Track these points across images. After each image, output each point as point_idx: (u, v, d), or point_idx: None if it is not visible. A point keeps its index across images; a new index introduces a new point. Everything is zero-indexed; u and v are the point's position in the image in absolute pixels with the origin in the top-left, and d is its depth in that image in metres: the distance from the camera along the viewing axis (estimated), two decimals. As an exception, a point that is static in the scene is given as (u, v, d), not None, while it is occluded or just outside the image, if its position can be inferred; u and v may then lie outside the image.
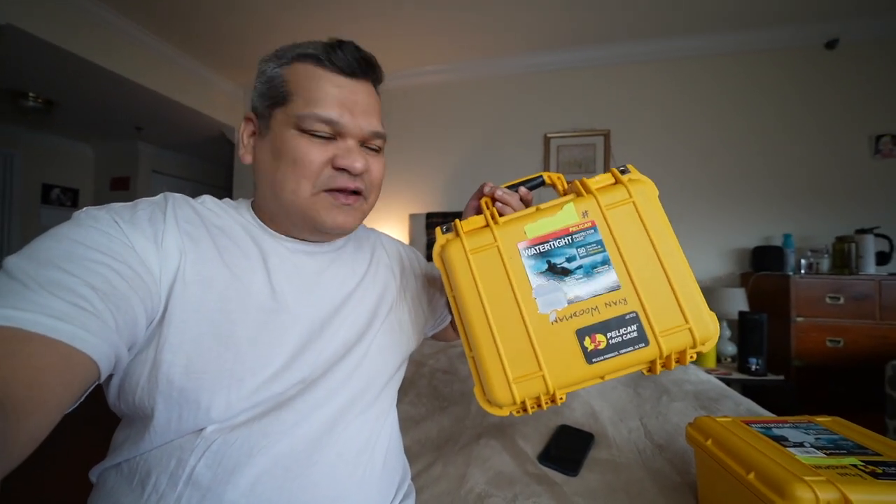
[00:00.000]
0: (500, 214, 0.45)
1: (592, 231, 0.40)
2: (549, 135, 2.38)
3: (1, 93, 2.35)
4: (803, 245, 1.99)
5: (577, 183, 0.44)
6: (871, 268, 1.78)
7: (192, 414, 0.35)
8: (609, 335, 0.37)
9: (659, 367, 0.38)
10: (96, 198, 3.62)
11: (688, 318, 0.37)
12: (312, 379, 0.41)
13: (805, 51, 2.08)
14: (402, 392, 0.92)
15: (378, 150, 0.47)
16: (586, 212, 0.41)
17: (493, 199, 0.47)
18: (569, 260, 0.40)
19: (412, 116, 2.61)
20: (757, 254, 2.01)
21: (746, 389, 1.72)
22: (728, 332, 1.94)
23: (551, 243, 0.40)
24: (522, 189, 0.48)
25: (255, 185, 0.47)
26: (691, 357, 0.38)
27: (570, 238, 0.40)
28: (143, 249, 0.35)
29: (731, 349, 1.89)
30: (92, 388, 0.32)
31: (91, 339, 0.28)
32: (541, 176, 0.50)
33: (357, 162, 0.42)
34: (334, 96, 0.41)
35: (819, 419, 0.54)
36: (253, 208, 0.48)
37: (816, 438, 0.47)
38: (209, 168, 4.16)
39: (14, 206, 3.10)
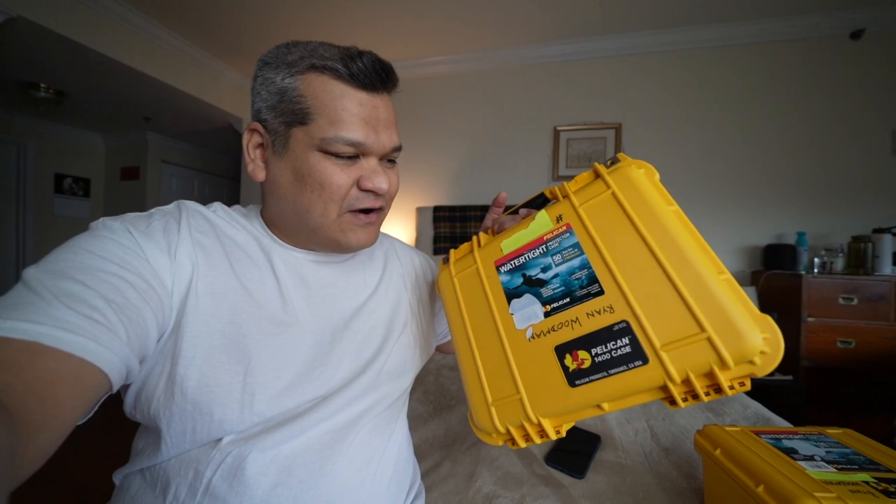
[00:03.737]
0: None
1: (568, 234, 0.36)
2: (558, 128, 2.34)
3: (12, 83, 2.37)
4: (817, 244, 1.95)
5: (556, 188, 0.41)
6: (887, 268, 1.74)
7: (206, 426, 0.36)
8: (594, 351, 0.31)
9: (680, 398, 0.28)
10: (107, 187, 3.67)
11: (704, 325, 0.28)
12: (326, 396, 0.42)
13: (829, 41, 1.99)
14: (410, 390, 0.94)
15: (395, 161, 0.47)
16: (560, 216, 0.38)
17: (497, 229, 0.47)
18: (543, 270, 0.36)
19: (419, 107, 2.58)
20: (769, 252, 1.97)
21: (753, 389, 1.71)
22: (736, 331, 1.92)
23: (526, 255, 0.38)
24: (523, 211, 0.47)
25: (268, 199, 0.45)
26: (733, 383, 0.28)
27: (544, 247, 0.37)
28: (156, 261, 0.36)
29: (738, 348, 1.87)
30: (104, 399, 0.32)
31: (103, 351, 0.29)
32: (542, 194, 0.45)
33: (383, 183, 0.42)
34: (359, 116, 0.40)
35: (830, 431, 0.53)
36: (263, 218, 0.48)
37: (827, 452, 0.47)
38: (217, 158, 4.17)
39: (28, 196, 3.15)
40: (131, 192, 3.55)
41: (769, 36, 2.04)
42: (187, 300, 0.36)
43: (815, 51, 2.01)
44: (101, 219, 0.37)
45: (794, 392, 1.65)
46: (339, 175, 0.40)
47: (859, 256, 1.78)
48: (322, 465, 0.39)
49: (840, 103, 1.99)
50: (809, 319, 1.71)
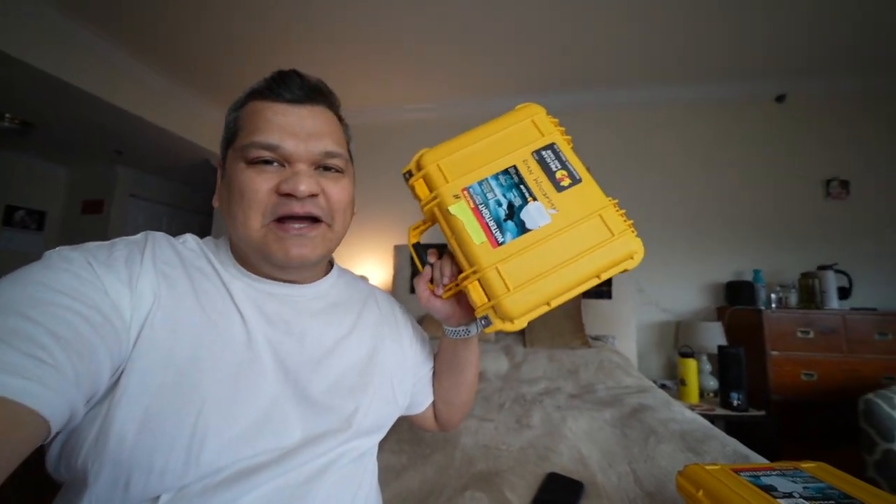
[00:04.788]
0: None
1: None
2: (531, 171, 2.48)
3: (-27, 114, 2.28)
4: (772, 280, 2.09)
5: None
6: (834, 302, 1.87)
7: (143, 479, 0.31)
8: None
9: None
10: (64, 221, 3.46)
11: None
12: (286, 448, 0.38)
13: (758, 104, 2.29)
14: (383, 438, 0.87)
15: (340, 172, 0.44)
16: (456, 195, 0.47)
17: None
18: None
19: (398, 149, 2.66)
20: (730, 288, 2.09)
21: (730, 426, 1.72)
22: (708, 367, 1.96)
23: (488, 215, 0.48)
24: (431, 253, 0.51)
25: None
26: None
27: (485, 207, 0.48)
28: (116, 293, 0.33)
29: (712, 384, 1.90)
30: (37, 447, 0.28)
31: (45, 394, 0.26)
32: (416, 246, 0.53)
33: (301, 184, 0.39)
34: (276, 122, 0.41)
35: (804, 465, 0.54)
36: (231, 249, 0.46)
37: (804, 488, 0.47)
38: (192, 193, 4.08)
39: (-29, 229, 2.91)
40: (92, 226, 3.36)
41: (710, 97, 2.33)
42: (141, 334, 0.34)
43: (748, 112, 2.30)
44: (56, 248, 0.34)
45: (767, 427, 1.66)
46: (255, 180, 0.40)
47: (809, 292, 1.92)
48: None
49: (775, 156, 2.25)
50: (773, 353, 1.78)
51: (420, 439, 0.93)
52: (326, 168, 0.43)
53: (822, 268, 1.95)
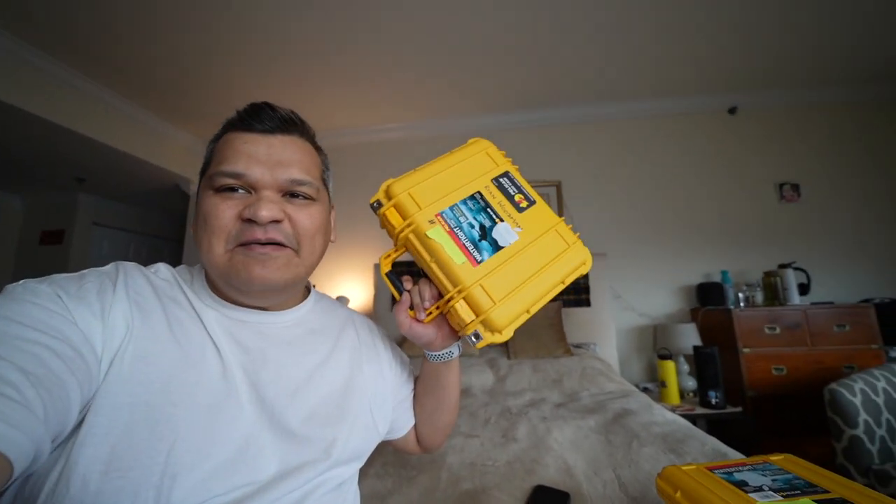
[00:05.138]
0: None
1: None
2: (507, 185, 2.54)
3: (-84, 144, 2.14)
4: (739, 280, 2.20)
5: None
6: (795, 298, 1.98)
7: None
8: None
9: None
10: (19, 253, 3.25)
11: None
12: (262, 483, 0.36)
13: (712, 115, 2.47)
14: (368, 462, 0.84)
15: (311, 199, 0.44)
16: (432, 219, 0.49)
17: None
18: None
19: (371, 169, 2.69)
20: (701, 290, 2.18)
21: (711, 424, 1.76)
22: (686, 367, 2.02)
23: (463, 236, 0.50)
24: (406, 279, 0.51)
25: None
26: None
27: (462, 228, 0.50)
28: (86, 326, 0.32)
29: (691, 384, 1.96)
30: None
31: (12, 434, 0.24)
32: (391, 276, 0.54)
33: (262, 210, 0.39)
34: (243, 151, 0.41)
35: (773, 458, 0.56)
36: (206, 278, 0.45)
37: (773, 480, 0.49)
38: (161, 220, 3.93)
39: (-89, 267, 2.69)
40: (51, 257, 3.17)
41: (666, 110, 2.49)
42: (112, 366, 0.32)
43: (704, 123, 2.47)
44: (21, 281, 0.33)
45: (744, 423, 1.72)
46: (219, 207, 0.40)
47: (772, 289, 2.03)
48: None
49: (730, 163, 2.41)
50: (745, 350, 1.86)
51: (405, 462, 0.91)
52: (294, 195, 0.43)
53: (783, 266, 2.08)
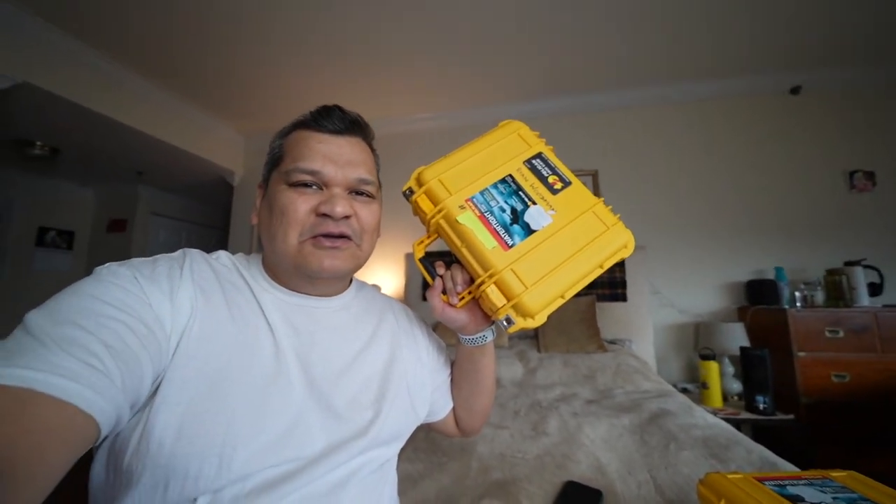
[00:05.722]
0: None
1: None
2: (539, 174, 2.47)
3: (9, 143, 2.42)
4: (795, 278, 2.01)
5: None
6: (865, 300, 1.79)
7: (180, 483, 0.33)
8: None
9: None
10: (92, 239, 3.62)
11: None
12: (310, 458, 0.39)
13: (770, 96, 2.23)
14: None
15: (371, 197, 0.48)
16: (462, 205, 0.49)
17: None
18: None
19: (408, 159, 2.69)
20: (751, 287, 2.02)
21: (757, 431, 1.65)
22: (731, 369, 1.90)
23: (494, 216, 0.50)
24: (439, 264, 0.52)
25: (262, 242, 0.49)
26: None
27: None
28: (158, 306, 0.36)
29: (736, 387, 1.84)
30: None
31: (97, 400, 0.28)
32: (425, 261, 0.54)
33: (337, 206, 0.43)
34: (318, 150, 0.45)
35: (834, 474, 0.51)
36: (263, 263, 0.49)
37: (834, 498, 0.45)
38: (208, 210, 4.21)
39: (7, 250, 3.07)
40: (116, 244, 3.50)
41: (723, 92, 2.28)
42: (179, 344, 0.36)
43: (763, 105, 2.24)
44: (106, 264, 0.37)
45: (797, 431, 1.59)
46: (297, 201, 0.43)
47: (837, 289, 1.84)
48: None
49: (793, 149, 2.18)
50: (801, 354, 1.71)
51: (436, 448, 0.93)
52: (359, 193, 0.47)
53: (850, 263, 1.87)
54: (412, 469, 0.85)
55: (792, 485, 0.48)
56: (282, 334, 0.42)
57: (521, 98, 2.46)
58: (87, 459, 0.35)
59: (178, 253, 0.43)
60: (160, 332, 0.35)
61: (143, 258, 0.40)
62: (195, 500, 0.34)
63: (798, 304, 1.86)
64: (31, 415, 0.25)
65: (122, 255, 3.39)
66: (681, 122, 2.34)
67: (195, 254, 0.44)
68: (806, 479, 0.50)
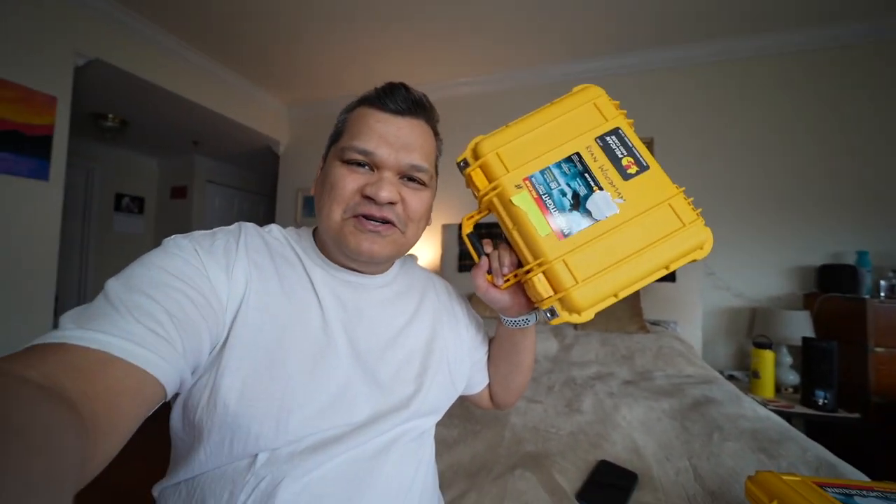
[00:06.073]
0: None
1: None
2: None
3: (85, 115, 2.66)
4: (882, 264, 1.76)
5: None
6: (970, 293, 1.54)
7: (243, 441, 0.37)
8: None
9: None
10: (158, 205, 3.99)
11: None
12: (357, 424, 0.42)
13: (856, 49, 1.86)
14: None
15: (423, 185, 0.47)
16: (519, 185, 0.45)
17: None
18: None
19: (445, 126, 2.60)
20: (824, 273, 1.81)
21: (811, 426, 1.54)
22: (788, 360, 1.76)
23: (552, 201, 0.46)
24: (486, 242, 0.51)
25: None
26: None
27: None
28: (216, 278, 0.38)
29: (792, 378, 1.71)
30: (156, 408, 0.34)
31: (163, 364, 0.31)
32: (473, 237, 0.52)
33: (382, 191, 0.42)
34: (375, 130, 0.44)
35: (913, 488, 0.47)
36: (315, 237, 0.50)
37: (912, 514, 0.41)
38: (256, 178, 4.44)
39: (93, 214, 3.48)
40: (179, 209, 3.83)
41: (808, 44, 1.93)
42: (238, 315, 0.38)
43: (860, 56, 1.88)
44: (172, 236, 0.40)
45: (863, 433, 1.47)
46: (345, 178, 0.43)
47: (935, 279, 1.59)
48: (350, 496, 0.39)
49: (885, 111, 1.83)
50: (878, 350, 1.54)
51: (471, 416, 0.97)
52: (410, 178, 0.46)
53: (957, 250, 1.60)
54: (447, 434, 0.89)
55: (861, 495, 0.44)
56: (330, 309, 0.44)
57: (578, 55, 2.23)
58: (165, 412, 0.40)
59: (234, 226, 0.45)
60: (216, 304, 0.37)
61: (203, 231, 0.42)
62: (256, 455, 0.38)
63: (882, 294, 1.64)
64: (108, 376, 0.28)
65: (184, 219, 3.73)
66: (750, 80, 2.04)
67: (249, 228, 0.46)
68: (878, 490, 0.46)
